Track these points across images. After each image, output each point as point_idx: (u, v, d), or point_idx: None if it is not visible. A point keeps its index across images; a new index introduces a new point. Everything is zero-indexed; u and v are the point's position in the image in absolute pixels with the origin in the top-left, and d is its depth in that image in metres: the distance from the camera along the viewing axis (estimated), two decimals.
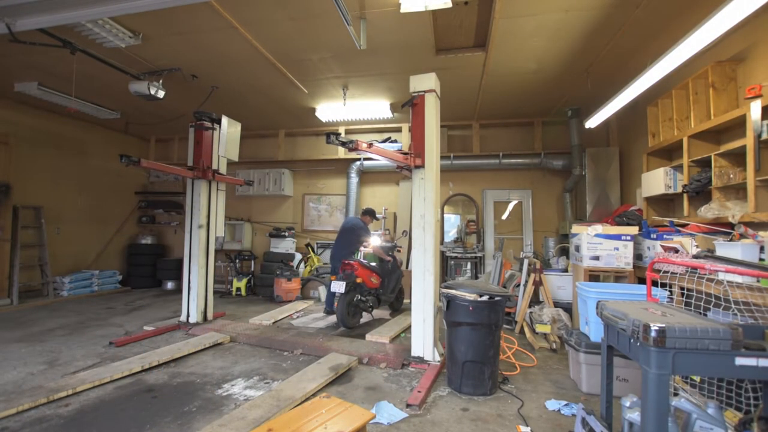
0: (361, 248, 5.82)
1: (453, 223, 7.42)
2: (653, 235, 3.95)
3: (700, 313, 2.06)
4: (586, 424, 2.13)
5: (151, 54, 4.60)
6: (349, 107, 6.17)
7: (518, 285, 5.13)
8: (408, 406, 2.82)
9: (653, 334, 1.55)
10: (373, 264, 5.40)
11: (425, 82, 3.76)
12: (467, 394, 3.08)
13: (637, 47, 4.20)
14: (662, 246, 3.51)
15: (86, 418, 2.66)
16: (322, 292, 6.89)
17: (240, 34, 4.05)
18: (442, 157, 5.16)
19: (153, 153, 8.56)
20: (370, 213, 5.88)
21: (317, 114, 6.53)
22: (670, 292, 3.08)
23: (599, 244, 4.20)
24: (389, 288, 5.52)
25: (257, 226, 8.34)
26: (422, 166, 3.70)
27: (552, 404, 2.89)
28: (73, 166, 7.29)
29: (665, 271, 2.68)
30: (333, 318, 5.39)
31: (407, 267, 6.47)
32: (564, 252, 5.79)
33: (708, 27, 2.69)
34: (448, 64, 4.73)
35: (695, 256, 2.75)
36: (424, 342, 3.64)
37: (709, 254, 2.68)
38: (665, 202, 4.69)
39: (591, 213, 5.92)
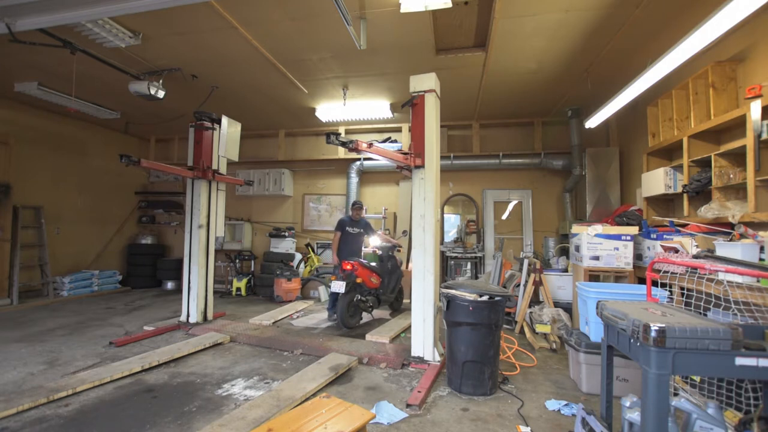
0: (362, 247, 5.80)
1: (453, 223, 7.42)
2: (653, 235, 3.95)
3: (700, 313, 2.06)
4: (586, 424, 2.13)
5: (151, 54, 4.60)
6: (349, 107, 6.17)
7: (518, 285, 5.13)
8: (408, 406, 2.82)
9: (653, 334, 1.55)
10: (373, 264, 5.40)
11: (425, 82, 3.76)
12: (467, 394, 3.08)
13: (637, 47, 4.20)
14: (662, 246, 3.51)
15: (86, 418, 2.66)
16: (322, 292, 6.89)
17: (240, 34, 4.05)
18: (442, 157, 5.16)
19: (153, 153, 8.56)
20: (353, 206, 5.66)
21: (317, 114, 6.53)
22: (670, 292, 3.08)
23: (599, 244, 4.20)
24: (389, 288, 5.52)
25: (257, 226, 8.34)
26: (422, 166, 3.70)
27: (552, 404, 2.89)
28: (73, 166, 7.29)
29: (665, 271, 2.68)
30: (333, 318, 5.39)
31: (407, 267, 6.47)
32: (564, 252, 5.79)
33: (708, 27, 2.69)
34: (448, 64, 4.73)
35: (695, 256, 2.74)
36: (424, 342, 3.64)
37: (709, 254, 2.68)
38: (665, 202, 4.69)
39: (591, 213, 5.92)
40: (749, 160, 3.00)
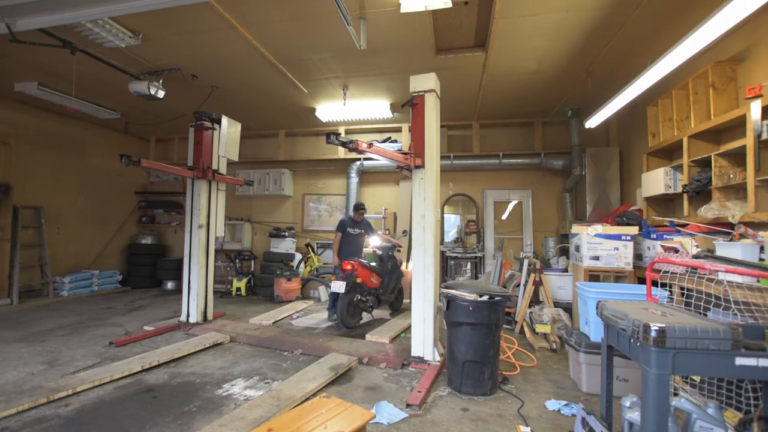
0: (362, 248, 5.80)
1: (453, 223, 7.42)
2: (653, 235, 3.95)
3: (700, 313, 2.06)
4: (586, 424, 2.13)
5: (151, 54, 4.60)
6: (349, 107, 6.17)
7: (518, 285, 5.13)
8: (408, 406, 2.82)
9: (653, 334, 1.55)
10: (373, 264, 5.40)
11: (425, 82, 3.76)
12: (467, 394, 3.08)
13: (637, 47, 4.20)
14: (662, 246, 3.51)
15: (86, 418, 2.66)
16: (323, 292, 6.90)
17: (240, 34, 4.05)
18: (442, 157, 5.16)
19: (153, 153, 8.56)
20: (355, 208, 5.63)
21: (317, 114, 6.53)
22: (670, 292, 3.08)
23: (599, 244, 4.20)
24: (389, 288, 5.51)
25: (257, 226, 8.34)
26: (422, 166, 3.70)
27: (552, 404, 2.89)
28: (73, 166, 7.29)
29: (665, 271, 2.68)
30: (333, 318, 5.39)
31: (407, 267, 6.47)
32: (564, 252, 5.79)
33: (708, 27, 2.69)
34: (448, 64, 4.73)
35: (695, 256, 2.75)
36: (424, 342, 3.64)
37: (709, 254, 2.68)
38: (665, 202, 4.69)
39: (591, 213, 5.92)
40: (749, 160, 3.00)
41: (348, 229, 5.51)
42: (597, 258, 4.20)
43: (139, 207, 8.70)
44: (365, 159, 7.34)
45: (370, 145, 3.38)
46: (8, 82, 5.41)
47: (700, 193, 3.75)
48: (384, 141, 4.18)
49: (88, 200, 7.61)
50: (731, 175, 3.37)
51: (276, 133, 7.92)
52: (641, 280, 4.04)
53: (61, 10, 3.05)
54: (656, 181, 4.35)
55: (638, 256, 4.20)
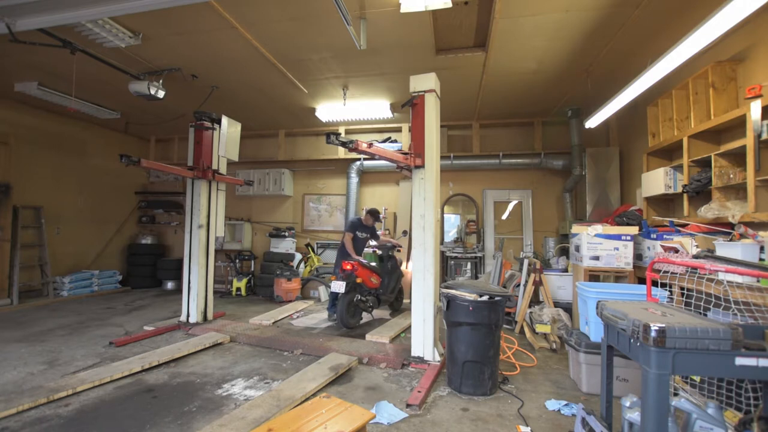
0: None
1: (453, 223, 7.42)
2: (653, 235, 3.95)
3: (700, 313, 2.06)
4: (586, 424, 2.13)
5: (151, 54, 4.60)
6: (349, 107, 6.17)
7: (518, 285, 5.13)
8: (408, 406, 2.82)
9: (653, 334, 1.55)
10: (373, 264, 5.40)
11: (425, 82, 3.76)
12: (467, 394, 3.08)
13: (637, 47, 4.20)
14: (662, 246, 3.51)
15: (86, 418, 2.66)
16: (323, 292, 6.90)
17: (240, 34, 4.05)
18: (442, 157, 5.16)
19: (153, 153, 8.56)
20: (370, 213, 5.72)
21: (317, 114, 6.53)
22: (670, 292, 3.08)
23: (599, 244, 4.20)
24: (389, 288, 5.52)
25: (257, 226, 8.34)
26: (422, 166, 3.70)
27: (552, 404, 2.89)
28: (73, 166, 7.29)
29: (665, 271, 2.68)
30: (333, 318, 5.39)
31: (407, 267, 6.47)
32: (564, 252, 5.79)
33: (708, 27, 2.69)
34: (448, 64, 4.73)
35: (695, 256, 2.75)
36: (424, 342, 3.64)
37: (709, 254, 2.68)
38: (665, 202, 4.69)
39: (591, 213, 5.92)
40: (749, 160, 3.00)
41: (357, 232, 5.55)
42: (597, 258, 4.20)
43: (139, 207, 8.70)
44: (365, 159, 7.33)
45: (370, 145, 3.38)
46: (8, 82, 5.41)
47: (700, 193, 3.75)
48: (384, 141, 4.19)
49: (88, 200, 7.61)
50: (731, 175, 3.37)
51: (276, 133, 7.92)
52: (641, 280, 4.04)
53: (61, 10, 3.05)
54: (656, 181, 4.35)
55: (638, 256, 4.20)
